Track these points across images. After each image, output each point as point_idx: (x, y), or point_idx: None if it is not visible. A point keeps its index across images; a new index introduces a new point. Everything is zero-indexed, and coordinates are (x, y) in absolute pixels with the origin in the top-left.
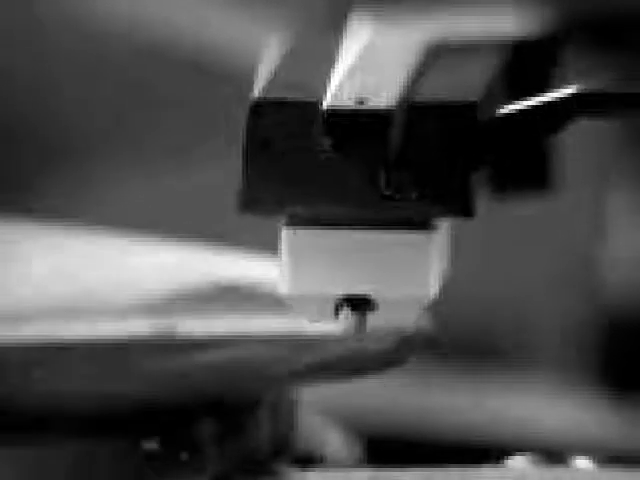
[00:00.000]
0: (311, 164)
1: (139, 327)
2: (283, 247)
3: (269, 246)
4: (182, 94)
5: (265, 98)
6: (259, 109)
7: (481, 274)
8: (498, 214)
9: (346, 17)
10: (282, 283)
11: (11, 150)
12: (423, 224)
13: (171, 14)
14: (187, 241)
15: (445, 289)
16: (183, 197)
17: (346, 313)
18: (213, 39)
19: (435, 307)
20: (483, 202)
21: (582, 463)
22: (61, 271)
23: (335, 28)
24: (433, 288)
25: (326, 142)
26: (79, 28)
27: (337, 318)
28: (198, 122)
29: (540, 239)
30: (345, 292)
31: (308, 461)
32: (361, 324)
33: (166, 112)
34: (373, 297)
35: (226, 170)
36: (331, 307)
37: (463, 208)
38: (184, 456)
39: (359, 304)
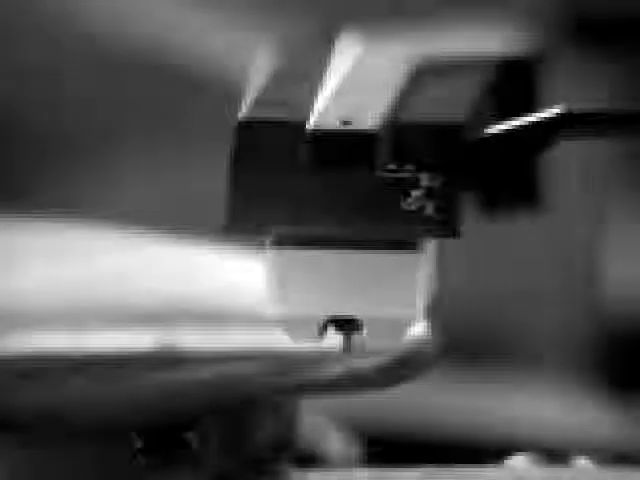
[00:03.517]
0: (296, 184)
1: (140, 340)
2: (269, 267)
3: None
4: (181, 98)
5: (251, 117)
6: (245, 128)
7: (482, 276)
8: (499, 225)
9: (333, 38)
10: (268, 303)
11: (9, 148)
12: (409, 244)
13: (167, 23)
14: (188, 245)
15: (446, 292)
16: (183, 199)
17: (332, 333)
18: (206, 51)
19: (438, 323)
20: (474, 220)
21: (582, 463)
22: (60, 280)
23: (322, 48)
24: (419, 308)
25: (312, 162)
26: (78, 28)
27: (323, 338)
28: (198, 124)
29: (540, 246)
30: (331, 312)
31: (309, 461)
32: (347, 344)
33: (166, 114)
34: (359, 317)
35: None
36: (317, 327)
37: (449, 228)
38: (185, 456)
39: (345, 324)
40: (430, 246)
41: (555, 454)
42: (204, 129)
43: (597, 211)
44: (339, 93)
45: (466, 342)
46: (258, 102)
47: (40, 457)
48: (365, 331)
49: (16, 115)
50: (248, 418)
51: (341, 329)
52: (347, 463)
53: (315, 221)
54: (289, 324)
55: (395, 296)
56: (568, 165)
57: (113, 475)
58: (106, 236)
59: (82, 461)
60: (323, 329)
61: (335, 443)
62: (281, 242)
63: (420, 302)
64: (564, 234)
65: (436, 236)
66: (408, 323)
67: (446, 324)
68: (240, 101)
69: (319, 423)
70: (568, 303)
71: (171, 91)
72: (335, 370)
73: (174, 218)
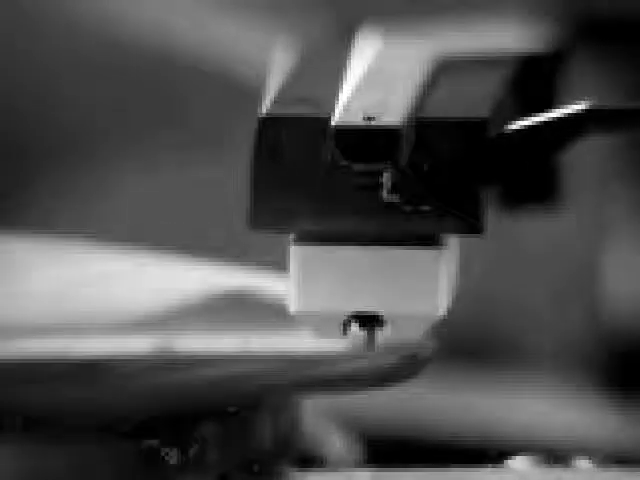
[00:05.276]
0: (320, 180)
1: (138, 344)
2: (291, 263)
3: (278, 259)
4: (185, 96)
5: (273, 114)
6: (267, 125)
7: (483, 277)
8: (503, 226)
9: (355, 33)
10: (290, 300)
11: (9, 149)
12: (432, 240)
13: (175, 20)
14: (190, 252)
15: (466, 290)
16: (186, 202)
17: (355, 330)
18: (220, 48)
19: (440, 321)
20: (492, 217)
21: (583, 464)
22: (61, 286)
23: (344, 43)
24: (442, 305)
25: (335, 158)
26: (79, 28)
27: (345, 335)
28: (201, 125)
29: (543, 247)
30: (353, 309)
31: (309, 462)
32: (370, 341)
33: (169, 113)
34: (381, 314)
35: (230, 175)
36: (339, 324)
37: (472, 225)
38: (186, 457)
39: (367, 321)
40: (453, 243)
41: (555, 455)
42: (220, 124)
43: (606, 214)
44: (362, 89)
45: (467, 343)
46: (280, 98)
47: (40, 456)
48: (388, 328)
49: (14, 114)
50: (249, 418)
51: (364, 326)
52: (347, 464)
53: (338, 217)
54: (311, 321)
55: (417, 293)
56: (579, 166)
57: (113, 475)
58: (100, 247)
59: (82, 461)
60: (345, 326)
61: (336, 444)
62: (304, 238)
63: (442, 299)
64: (568, 237)
65: (459, 233)
66: (430, 320)
67: (449, 326)
68: (261, 97)
69: (320, 424)
70: (569, 305)
71: (186, 83)
72: (356, 367)
73: (184, 218)
